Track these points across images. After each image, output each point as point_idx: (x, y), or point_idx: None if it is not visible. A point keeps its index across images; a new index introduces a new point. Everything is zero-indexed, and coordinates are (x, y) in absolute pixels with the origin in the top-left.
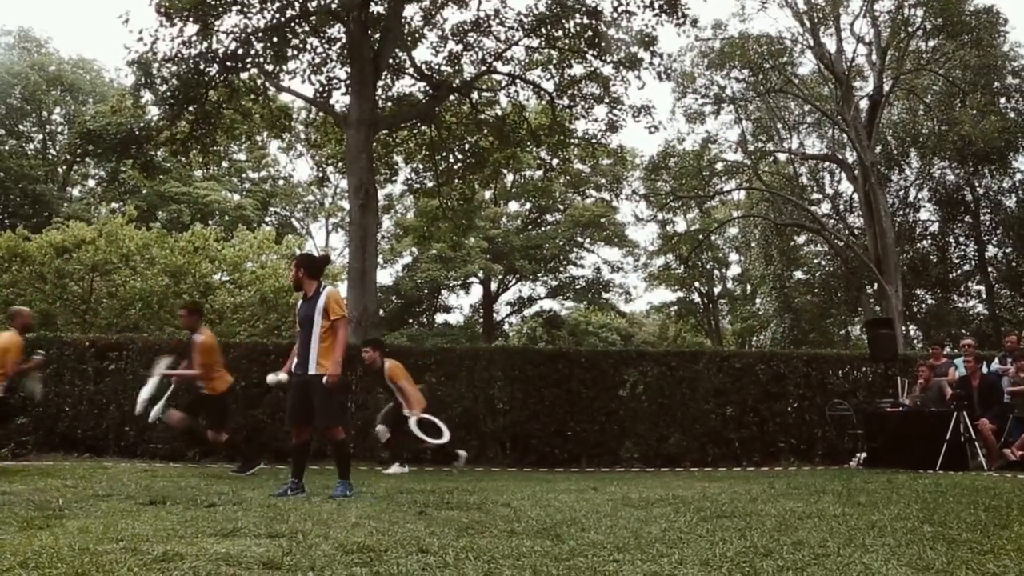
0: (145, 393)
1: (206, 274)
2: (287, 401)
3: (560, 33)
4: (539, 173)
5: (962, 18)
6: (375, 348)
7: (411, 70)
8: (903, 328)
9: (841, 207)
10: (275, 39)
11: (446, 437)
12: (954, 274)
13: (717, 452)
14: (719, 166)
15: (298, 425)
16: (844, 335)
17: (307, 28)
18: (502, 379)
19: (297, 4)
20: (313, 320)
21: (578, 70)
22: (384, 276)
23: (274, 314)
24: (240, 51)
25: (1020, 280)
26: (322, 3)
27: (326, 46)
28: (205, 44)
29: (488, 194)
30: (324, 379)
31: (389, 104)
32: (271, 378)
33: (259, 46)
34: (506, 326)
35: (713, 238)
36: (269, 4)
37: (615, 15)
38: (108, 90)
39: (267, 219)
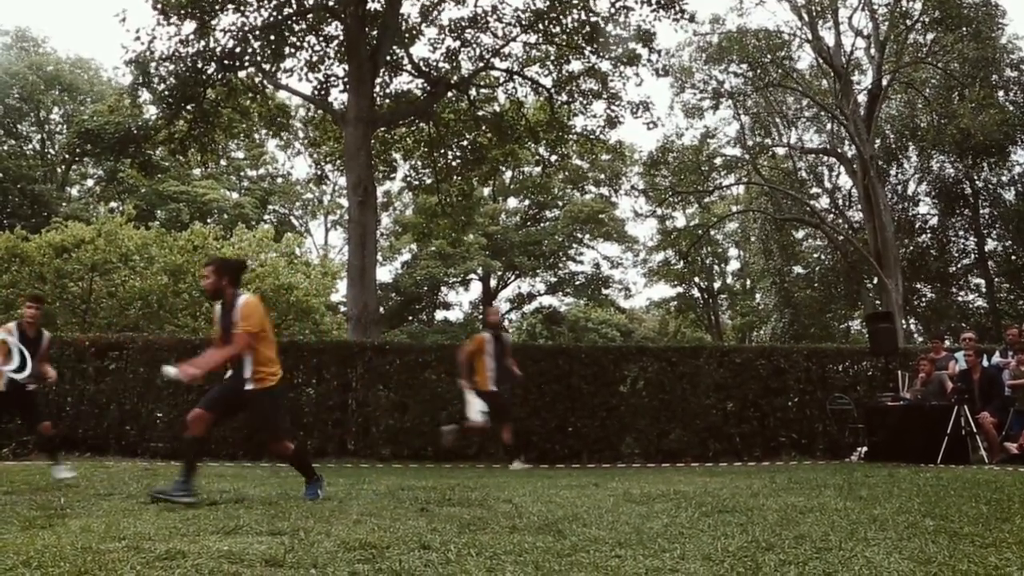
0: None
1: None
2: (212, 388)
3: (558, 29)
4: (538, 169)
5: (960, 11)
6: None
7: (409, 67)
8: (903, 322)
9: (840, 201)
10: (272, 37)
11: None
12: (954, 268)
13: (718, 447)
14: (718, 161)
15: (205, 411)
16: (844, 329)
17: (304, 26)
18: None
19: (294, 1)
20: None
21: (576, 66)
22: (384, 273)
23: (274, 312)
24: (238, 49)
25: (1020, 273)
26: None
27: (323, 43)
28: (203, 42)
29: (487, 190)
30: (174, 372)
31: (387, 101)
32: (169, 370)
33: (257, 44)
34: (506, 322)
35: (712, 233)
36: (266, 1)
37: (613, 11)
38: (106, 89)
39: (266, 217)
